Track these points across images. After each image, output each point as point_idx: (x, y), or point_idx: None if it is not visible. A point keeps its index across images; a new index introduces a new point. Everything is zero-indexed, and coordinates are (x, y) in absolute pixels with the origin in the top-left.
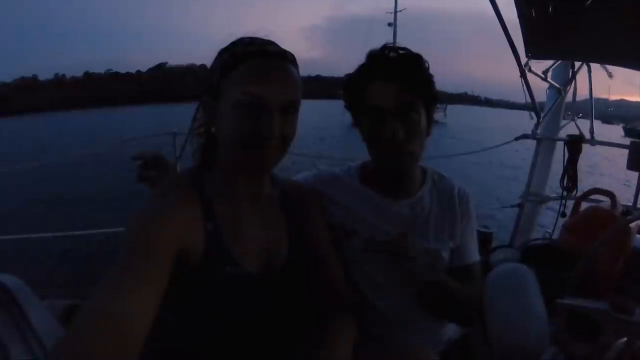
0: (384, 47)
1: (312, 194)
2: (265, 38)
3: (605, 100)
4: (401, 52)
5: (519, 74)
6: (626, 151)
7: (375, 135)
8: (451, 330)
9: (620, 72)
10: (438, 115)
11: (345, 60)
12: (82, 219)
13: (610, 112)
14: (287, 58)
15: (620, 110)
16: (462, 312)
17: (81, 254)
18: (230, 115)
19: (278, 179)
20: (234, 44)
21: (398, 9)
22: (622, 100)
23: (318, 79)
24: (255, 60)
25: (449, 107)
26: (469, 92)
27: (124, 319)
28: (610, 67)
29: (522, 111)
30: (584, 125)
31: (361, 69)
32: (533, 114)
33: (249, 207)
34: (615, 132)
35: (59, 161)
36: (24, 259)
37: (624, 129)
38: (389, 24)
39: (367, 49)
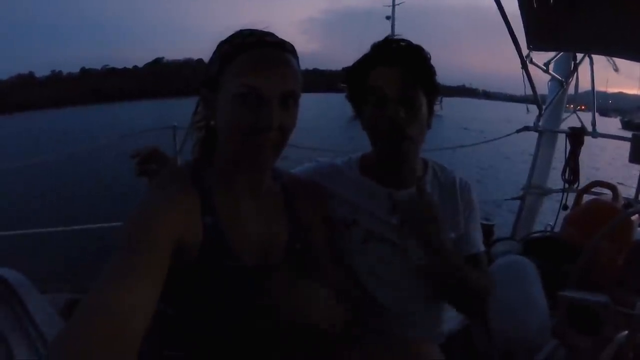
0: (387, 39)
1: (312, 187)
2: (265, 30)
3: (604, 93)
4: (402, 43)
5: (518, 66)
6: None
7: (376, 120)
8: (452, 322)
9: (620, 65)
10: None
11: (342, 53)
12: (82, 214)
13: (609, 104)
14: (286, 48)
15: (619, 103)
16: (475, 301)
17: (82, 249)
18: (228, 107)
19: (278, 171)
20: (233, 35)
21: (397, 2)
22: (620, 93)
23: (315, 72)
24: (253, 50)
25: (446, 99)
26: (467, 85)
27: (122, 313)
28: (614, 60)
29: (520, 104)
30: (583, 117)
31: (364, 56)
32: (529, 106)
33: (249, 201)
34: (612, 125)
35: (59, 157)
36: (25, 254)
37: (622, 121)
38: (387, 17)
39: (365, 42)
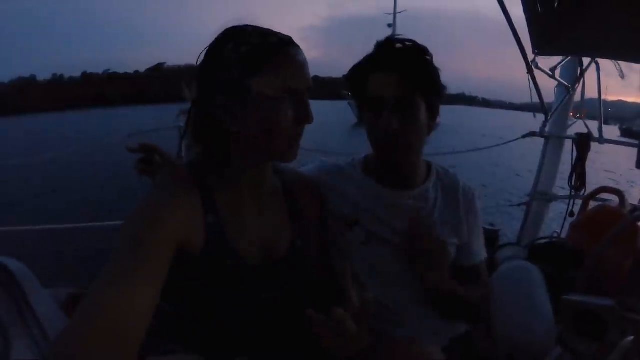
0: (391, 38)
1: (311, 183)
2: (255, 25)
3: (604, 102)
4: (407, 43)
5: (518, 74)
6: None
7: (373, 126)
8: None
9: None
10: None
11: (344, 61)
12: (87, 211)
13: (608, 113)
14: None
15: (618, 112)
16: (472, 316)
17: (85, 247)
18: (270, 109)
19: (280, 169)
20: (242, 35)
21: (398, 11)
22: (619, 101)
23: (316, 79)
24: (281, 52)
25: (445, 107)
26: (467, 93)
27: (124, 313)
28: (620, 67)
29: (521, 112)
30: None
31: (365, 59)
32: (535, 113)
33: (251, 199)
34: (611, 132)
35: (65, 154)
36: (29, 249)
37: (620, 129)
38: (389, 25)
39: (366, 51)
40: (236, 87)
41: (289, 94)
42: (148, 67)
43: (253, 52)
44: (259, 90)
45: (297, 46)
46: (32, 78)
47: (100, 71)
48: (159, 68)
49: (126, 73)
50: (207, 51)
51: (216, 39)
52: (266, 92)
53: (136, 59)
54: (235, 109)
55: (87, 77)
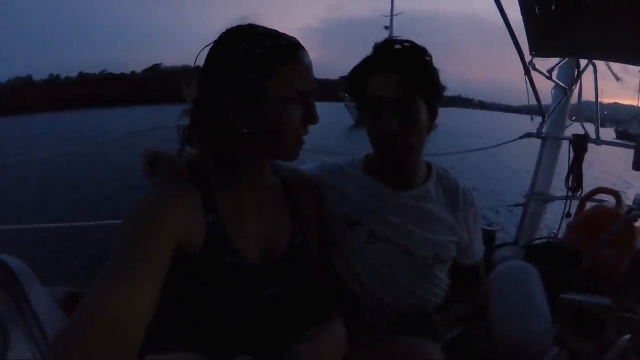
0: (389, 39)
1: (310, 181)
2: (257, 24)
3: (600, 104)
4: (406, 44)
5: (514, 76)
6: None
7: (373, 127)
8: None
9: (619, 74)
10: None
11: (340, 63)
12: (84, 211)
13: (604, 115)
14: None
15: (614, 114)
16: (471, 317)
17: (84, 246)
18: (284, 110)
19: (278, 167)
20: (252, 36)
21: (395, 13)
22: (615, 103)
23: None
24: (294, 55)
25: (439, 109)
26: (463, 95)
27: (124, 312)
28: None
29: (518, 114)
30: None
31: (364, 60)
32: (532, 116)
33: (251, 198)
34: (607, 135)
35: (62, 154)
36: (28, 248)
37: (616, 131)
38: (385, 27)
39: (363, 52)
40: (249, 88)
41: (298, 96)
42: (144, 67)
43: (267, 54)
44: (272, 92)
45: (304, 49)
46: (29, 78)
47: (96, 71)
48: (155, 69)
49: (122, 73)
50: (214, 51)
51: (222, 38)
52: (279, 93)
53: (134, 59)
54: (246, 110)
55: (83, 77)
